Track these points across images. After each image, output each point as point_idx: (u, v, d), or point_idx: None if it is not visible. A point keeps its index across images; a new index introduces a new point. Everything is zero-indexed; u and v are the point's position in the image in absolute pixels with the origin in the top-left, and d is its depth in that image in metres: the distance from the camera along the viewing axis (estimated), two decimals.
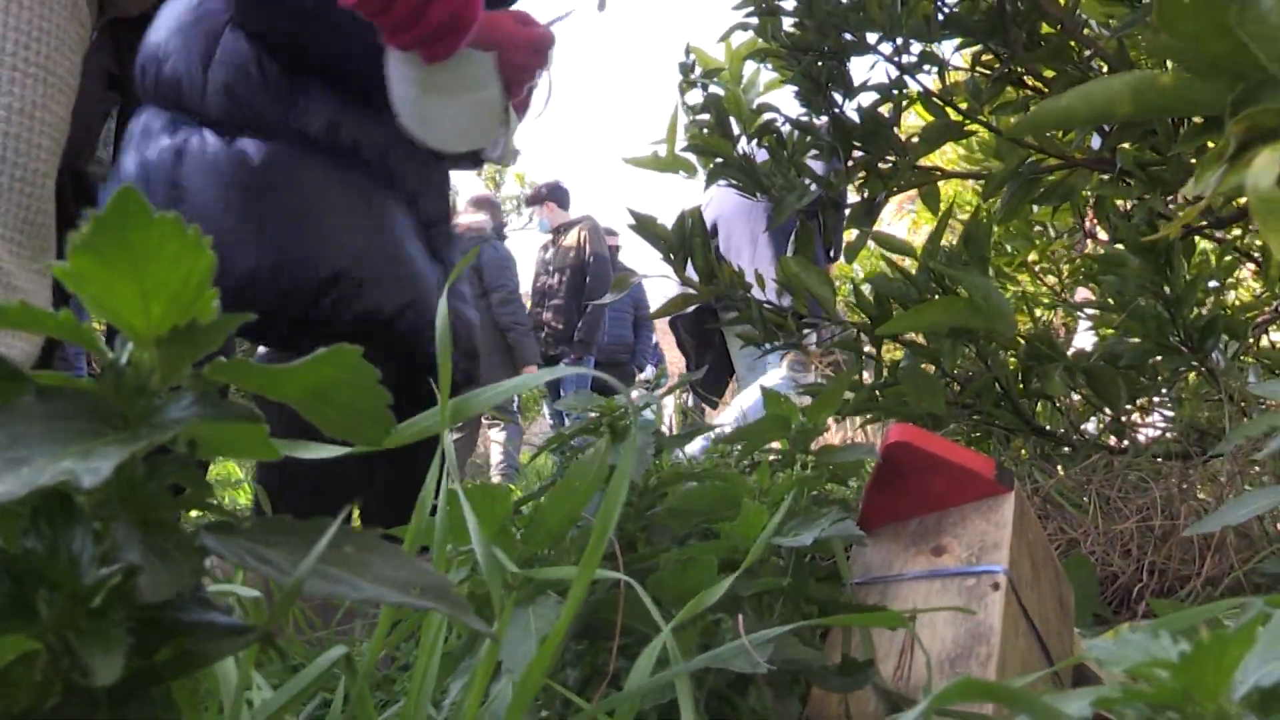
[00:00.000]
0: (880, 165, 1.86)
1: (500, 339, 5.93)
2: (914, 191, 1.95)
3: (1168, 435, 1.54)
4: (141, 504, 0.31)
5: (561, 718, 0.69)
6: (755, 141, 1.98)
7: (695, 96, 2.00)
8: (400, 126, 1.50)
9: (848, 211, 1.87)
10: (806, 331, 1.66)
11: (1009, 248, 2.18)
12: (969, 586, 0.86)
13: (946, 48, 1.91)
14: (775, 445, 1.06)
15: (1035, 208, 2.00)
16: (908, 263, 1.59)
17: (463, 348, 1.70)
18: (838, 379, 1.00)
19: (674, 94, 2.08)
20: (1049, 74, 1.75)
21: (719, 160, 1.94)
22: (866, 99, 1.86)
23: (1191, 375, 1.56)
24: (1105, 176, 1.72)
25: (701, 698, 0.72)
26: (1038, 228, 2.24)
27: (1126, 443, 1.48)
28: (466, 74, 1.46)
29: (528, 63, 1.56)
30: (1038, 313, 2.32)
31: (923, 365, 1.41)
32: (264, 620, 0.53)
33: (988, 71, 1.80)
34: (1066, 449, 1.47)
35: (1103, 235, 2.22)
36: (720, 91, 2.00)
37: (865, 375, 1.50)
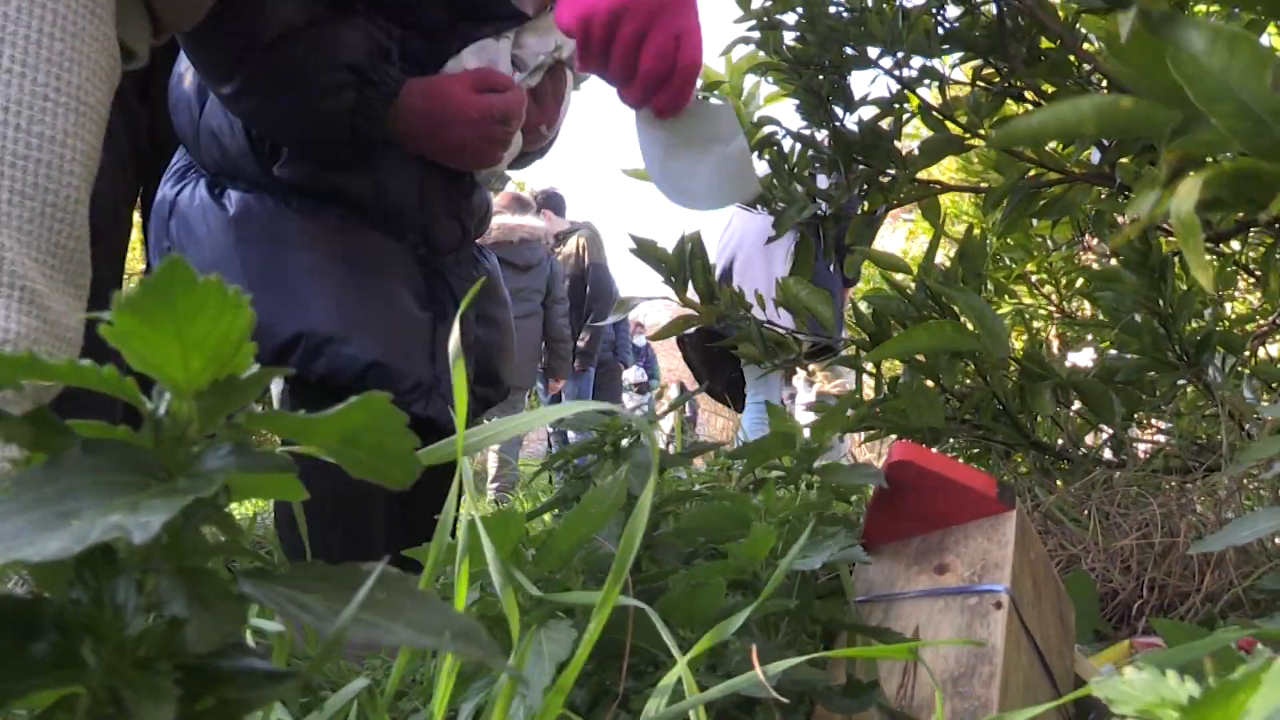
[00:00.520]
0: (880, 178, 1.87)
1: (541, 347, 6.00)
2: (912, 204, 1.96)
3: (1166, 449, 1.55)
4: (181, 552, 0.32)
5: None
6: (756, 154, 1.99)
7: None
8: (398, 159, 1.49)
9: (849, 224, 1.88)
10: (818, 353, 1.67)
11: (1007, 259, 2.20)
12: (971, 605, 0.87)
13: (946, 62, 1.93)
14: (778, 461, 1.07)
15: (1034, 221, 2.01)
16: (899, 276, 1.60)
17: (476, 374, 1.67)
18: (841, 399, 1.01)
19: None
20: (1049, 89, 1.77)
21: None
22: (867, 113, 1.87)
23: (1189, 389, 1.57)
24: (1104, 192, 1.73)
25: (709, 717, 0.73)
26: (1037, 239, 2.25)
27: (1125, 457, 1.49)
28: (708, 127, 1.33)
29: (483, 135, 1.46)
30: (1035, 324, 2.33)
31: (922, 380, 1.42)
32: (286, 654, 0.54)
33: (988, 86, 1.81)
34: (1066, 463, 1.49)
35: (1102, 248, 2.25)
36: None
37: (866, 391, 1.51)
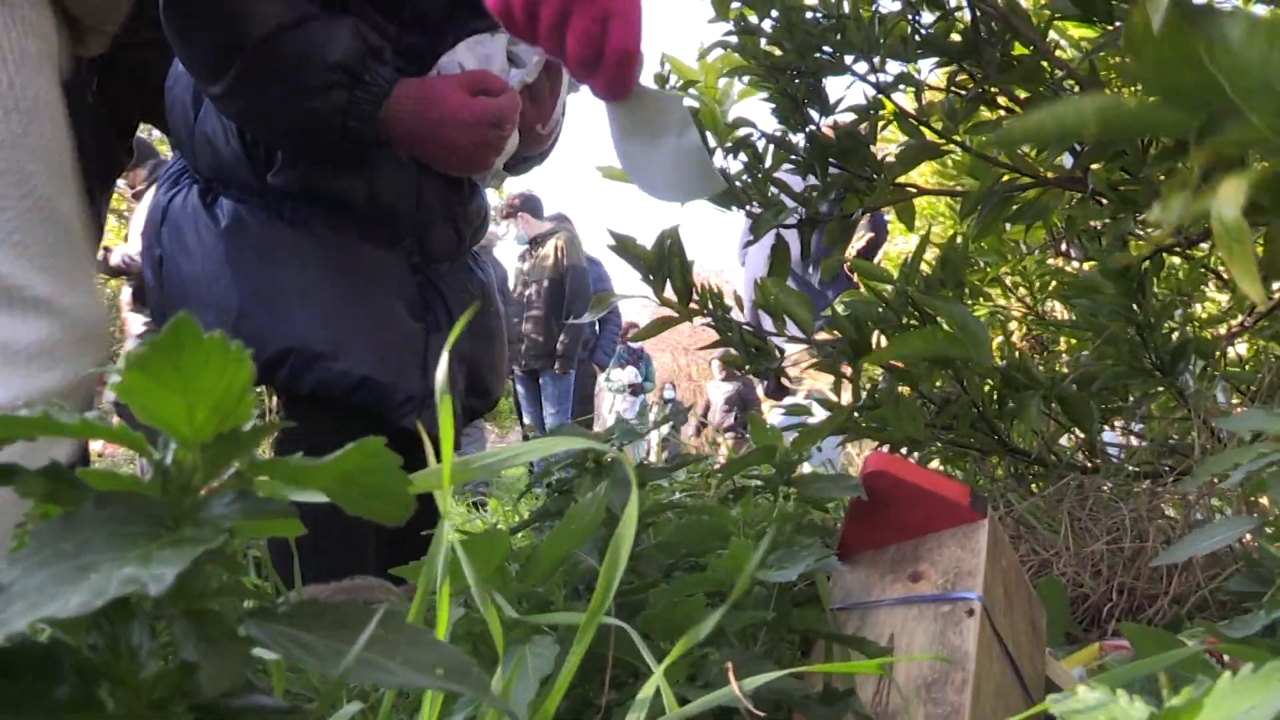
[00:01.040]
0: (856, 182, 1.90)
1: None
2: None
3: (1138, 449, 1.58)
4: (189, 595, 0.34)
5: None
6: (731, 155, 2.00)
7: None
8: (394, 162, 1.49)
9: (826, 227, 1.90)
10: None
11: (982, 263, 2.23)
12: (945, 612, 0.90)
13: (922, 67, 1.95)
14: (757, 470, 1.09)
15: (1009, 225, 2.04)
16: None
17: (466, 386, 1.67)
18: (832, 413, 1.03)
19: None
20: (1023, 94, 1.80)
21: None
22: (844, 118, 1.89)
23: (1162, 392, 1.61)
24: (1077, 196, 1.76)
25: None
26: (1010, 244, 2.28)
27: (1098, 461, 1.52)
28: (657, 118, 1.31)
29: (475, 139, 1.44)
30: (1010, 326, 2.37)
31: (902, 389, 1.44)
32: (283, 680, 0.56)
33: (962, 92, 1.84)
34: (1041, 467, 1.52)
35: (1075, 254, 2.28)
36: (696, 105, 2.02)
37: (844, 395, 1.53)
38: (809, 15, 1.84)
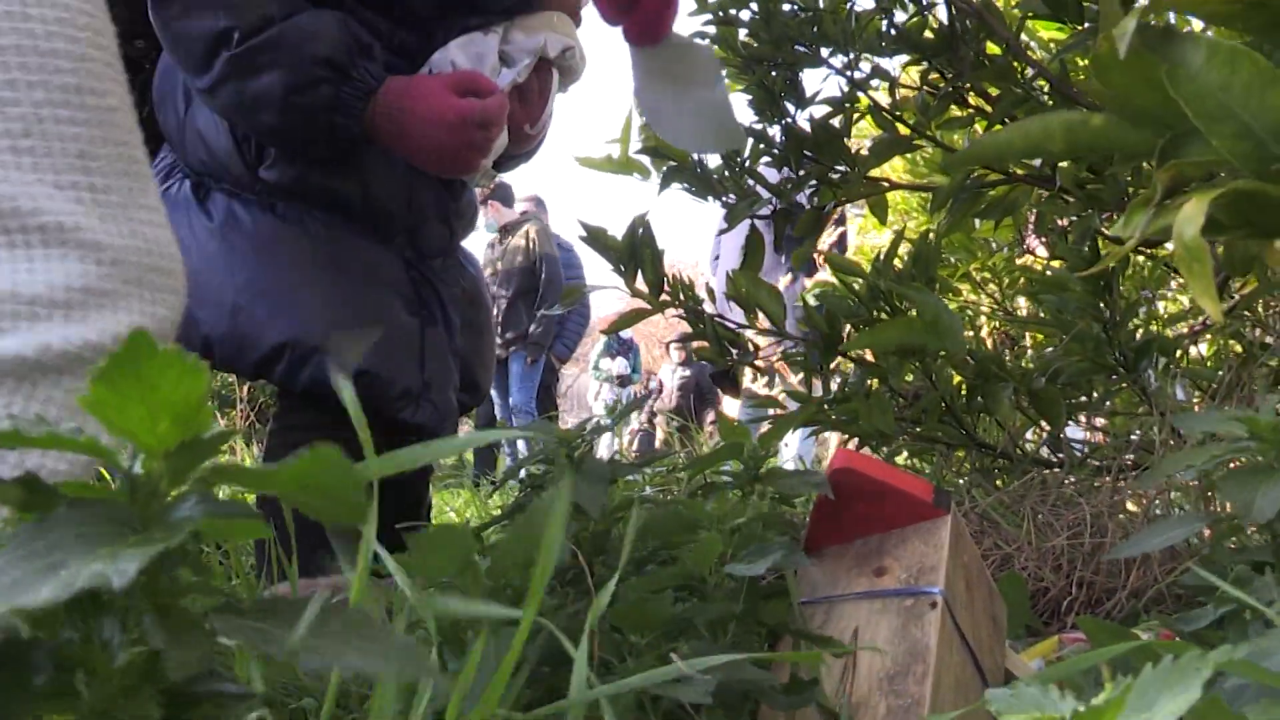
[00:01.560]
0: (830, 175, 1.91)
1: None
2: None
3: (1101, 448, 1.61)
4: (158, 592, 0.35)
5: None
6: None
7: None
8: (386, 160, 1.48)
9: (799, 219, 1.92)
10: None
11: (951, 259, 2.25)
12: (908, 606, 0.91)
13: (896, 64, 1.97)
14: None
15: (978, 222, 2.06)
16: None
17: (458, 383, 1.66)
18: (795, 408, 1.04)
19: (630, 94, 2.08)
20: (994, 92, 1.82)
21: (672, 164, 1.96)
22: (819, 110, 1.91)
23: (1125, 388, 1.63)
24: (1045, 193, 1.79)
25: (656, 716, 0.76)
26: (979, 240, 2.31)
27: (1061, 456, 1.55)
28: (688, 67, 1.29)
29: (461, 140, 1.41)
30: (979, 321, 2.40)
31: (872, 383, 1.46)
32: (247, 674, 0.57)
33: (934, 90, 1.86)
34: (1006, 461, 1.54)
35: (1042, 251, 2.31)
36: None
37: (814, 388, 1.54)
38: (786, 8, 1.85)
